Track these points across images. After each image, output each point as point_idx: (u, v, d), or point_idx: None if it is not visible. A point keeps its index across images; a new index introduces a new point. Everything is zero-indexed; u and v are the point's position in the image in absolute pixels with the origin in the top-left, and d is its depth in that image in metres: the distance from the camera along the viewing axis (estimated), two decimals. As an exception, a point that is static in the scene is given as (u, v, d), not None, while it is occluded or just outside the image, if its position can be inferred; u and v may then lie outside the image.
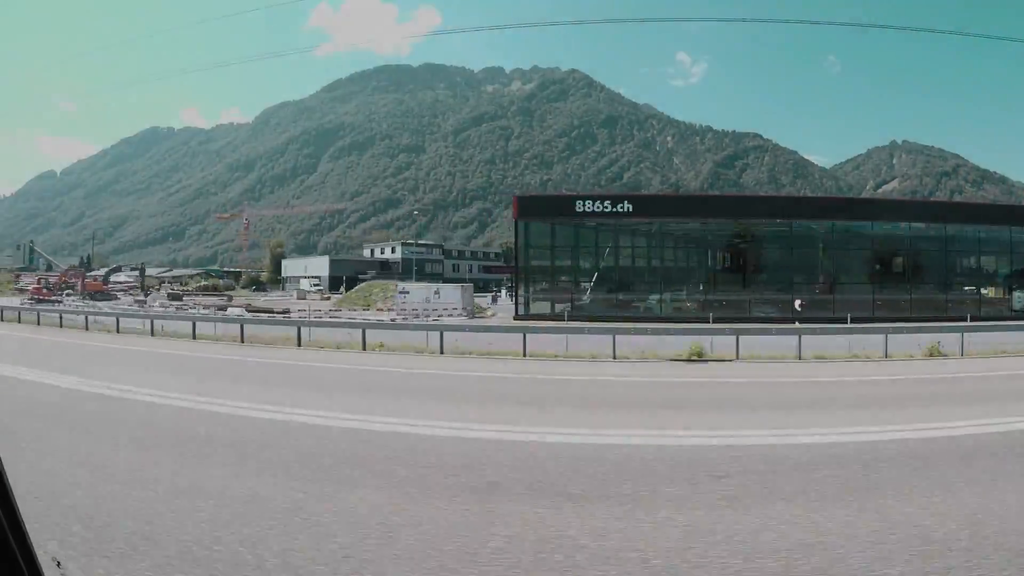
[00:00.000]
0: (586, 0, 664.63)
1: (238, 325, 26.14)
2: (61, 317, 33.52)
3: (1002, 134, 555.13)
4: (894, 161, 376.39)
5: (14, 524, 1.57)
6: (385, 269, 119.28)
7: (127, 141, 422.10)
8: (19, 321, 35.15)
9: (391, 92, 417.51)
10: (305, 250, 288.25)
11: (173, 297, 69.15)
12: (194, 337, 25.67)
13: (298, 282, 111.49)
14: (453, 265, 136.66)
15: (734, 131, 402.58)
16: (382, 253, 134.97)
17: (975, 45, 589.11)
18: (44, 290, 65.96)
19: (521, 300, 43.58)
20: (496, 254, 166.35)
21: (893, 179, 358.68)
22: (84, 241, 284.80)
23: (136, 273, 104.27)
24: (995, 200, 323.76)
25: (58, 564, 3.18)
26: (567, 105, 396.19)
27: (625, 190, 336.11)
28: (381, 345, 22.00)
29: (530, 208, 48.52)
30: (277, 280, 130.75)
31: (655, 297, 43.58)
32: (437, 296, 47.13)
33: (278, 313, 42.51)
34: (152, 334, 27.40)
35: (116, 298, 67.80)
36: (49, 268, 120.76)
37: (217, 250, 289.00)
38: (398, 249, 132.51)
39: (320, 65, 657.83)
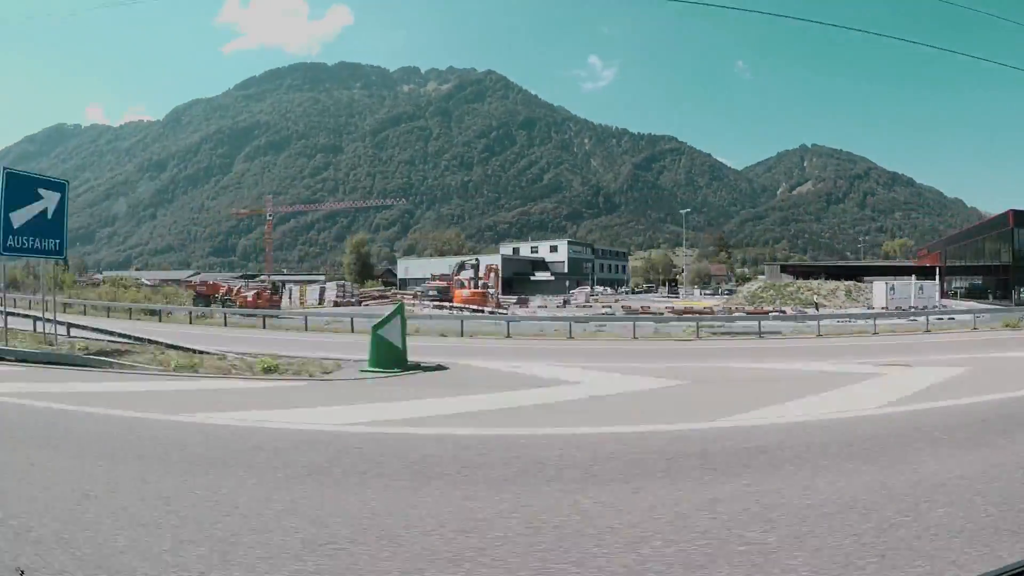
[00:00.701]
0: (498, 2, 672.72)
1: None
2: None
3: (907, 139, 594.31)
4: (805, 164, 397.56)
5: None
6: (543, 269, 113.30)
7: (31, 139, 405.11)
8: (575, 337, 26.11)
9: (306, 91, 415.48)
10: (223, 252, 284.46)
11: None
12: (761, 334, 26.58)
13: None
14: (600, 264, 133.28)
15: (650, 134, 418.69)
16: (533, 252, 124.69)
17: (878, 53, 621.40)
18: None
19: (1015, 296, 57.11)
20: (624, 253, 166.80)
21: (807, 181, 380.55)
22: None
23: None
24: (906, 200, 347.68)
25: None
26: (485, 106, 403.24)
27: (546, 191, 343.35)
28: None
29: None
30: (381, 282, 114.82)
31: None
32: (921, 291, 53.09)
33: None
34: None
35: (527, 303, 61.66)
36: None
37: (131, 254, 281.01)
38: (561, 248, 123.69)
39: (231, 62, 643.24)
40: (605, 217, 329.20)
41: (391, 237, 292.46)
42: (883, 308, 47.71)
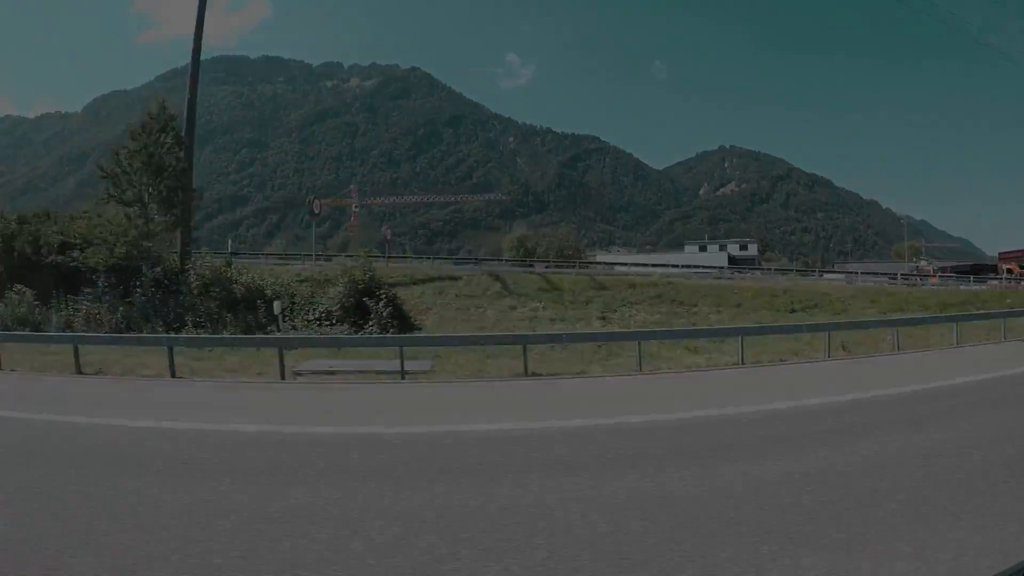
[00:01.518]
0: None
1: None
2: None
3: (825, 142, 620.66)
4: (726, 165, 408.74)
5: None
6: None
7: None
8: None
9: (229, 84, 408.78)
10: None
11: None
12: None
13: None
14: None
15: (574, 133, 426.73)
16: (721, 250, 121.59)
17: (797, 57, 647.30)
18: None
19: None
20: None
21: (729, 182, 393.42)
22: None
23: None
24: (827, 202, 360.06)
25: None
26: (411, 103, 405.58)
27: (477, 189, 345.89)
28: None
29: None
30: None
31: None
32: None
33: None
34: None
35: None
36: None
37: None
38: (751, 247, 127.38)
39: (146, 54, 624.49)
40: (537, 216, 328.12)
41: (321, 235, 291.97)
42: None
